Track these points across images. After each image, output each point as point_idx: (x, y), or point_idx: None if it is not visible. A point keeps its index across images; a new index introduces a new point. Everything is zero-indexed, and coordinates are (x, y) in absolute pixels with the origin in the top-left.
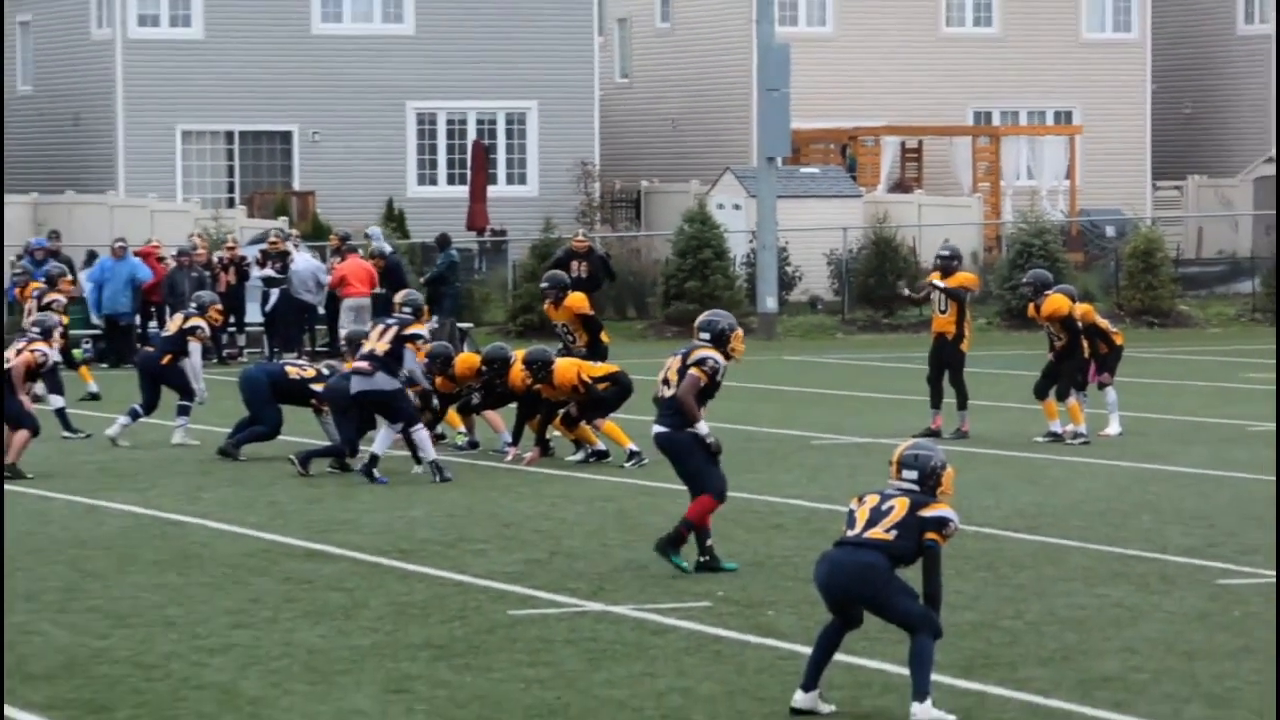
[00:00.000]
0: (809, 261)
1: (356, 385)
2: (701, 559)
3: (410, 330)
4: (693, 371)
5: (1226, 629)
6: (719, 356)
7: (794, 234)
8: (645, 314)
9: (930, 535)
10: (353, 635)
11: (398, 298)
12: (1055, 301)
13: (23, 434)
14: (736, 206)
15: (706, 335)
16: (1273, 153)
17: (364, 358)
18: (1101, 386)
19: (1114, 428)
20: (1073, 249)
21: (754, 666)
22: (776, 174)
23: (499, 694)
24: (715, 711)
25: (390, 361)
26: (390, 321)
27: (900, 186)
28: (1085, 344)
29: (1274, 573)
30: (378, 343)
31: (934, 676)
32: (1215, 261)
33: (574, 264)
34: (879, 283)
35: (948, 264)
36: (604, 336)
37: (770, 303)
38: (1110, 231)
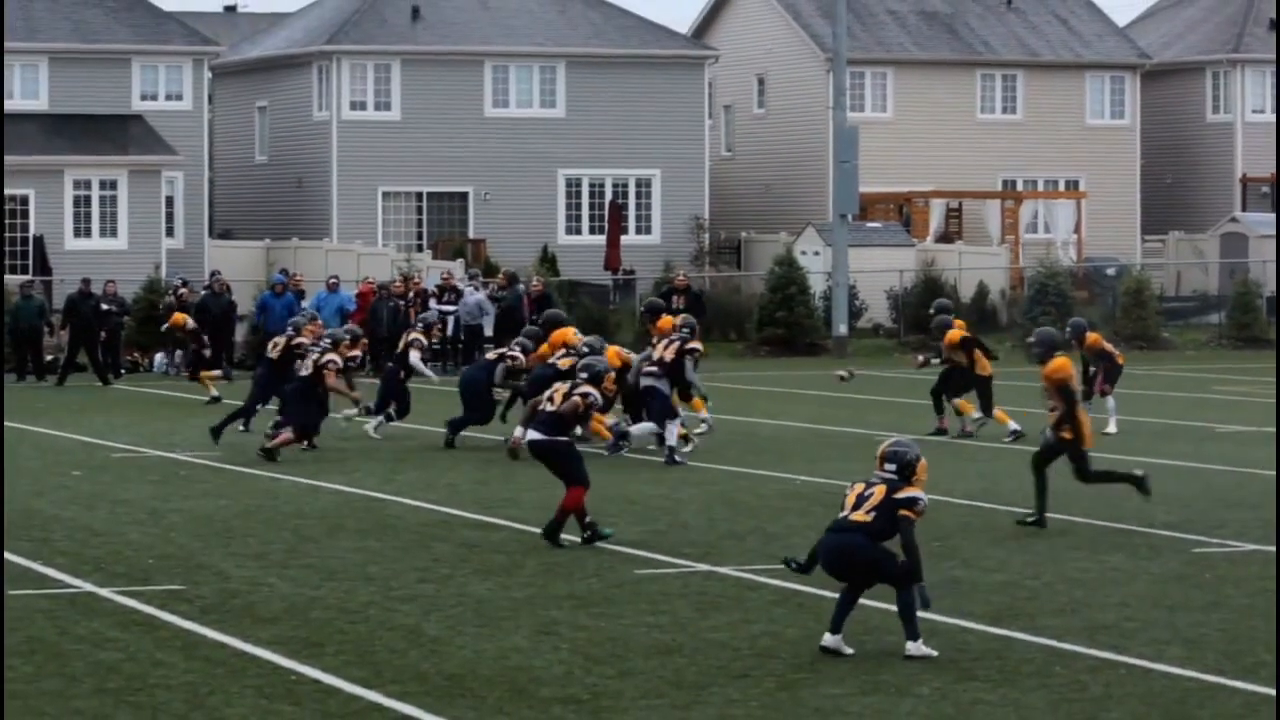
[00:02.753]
0: (873, 296)
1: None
2: (585, 535)
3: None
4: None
5: (1200, 588)
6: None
7: (861, 275)
8: (744, 337)
9: (903, 512)
10: (512, 589)
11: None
12: (1057, 363)
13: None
14: (816, 253)
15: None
16: (1237, 212)
17: (653, 363)
18: (1103, 395)
19: (1113, 428)
20: (1080, 288)
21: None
22: (848, 228)
23: (626, 636)
24: (797, 651)
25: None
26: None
27: (945, 238)
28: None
29: (1241, 544)
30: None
31: (970, 625)
32: (1190, 299)
33: (675, 298)
34: (928, 314)
35: (943, 324)
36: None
37: (842, 329)
38: (1110, 272)
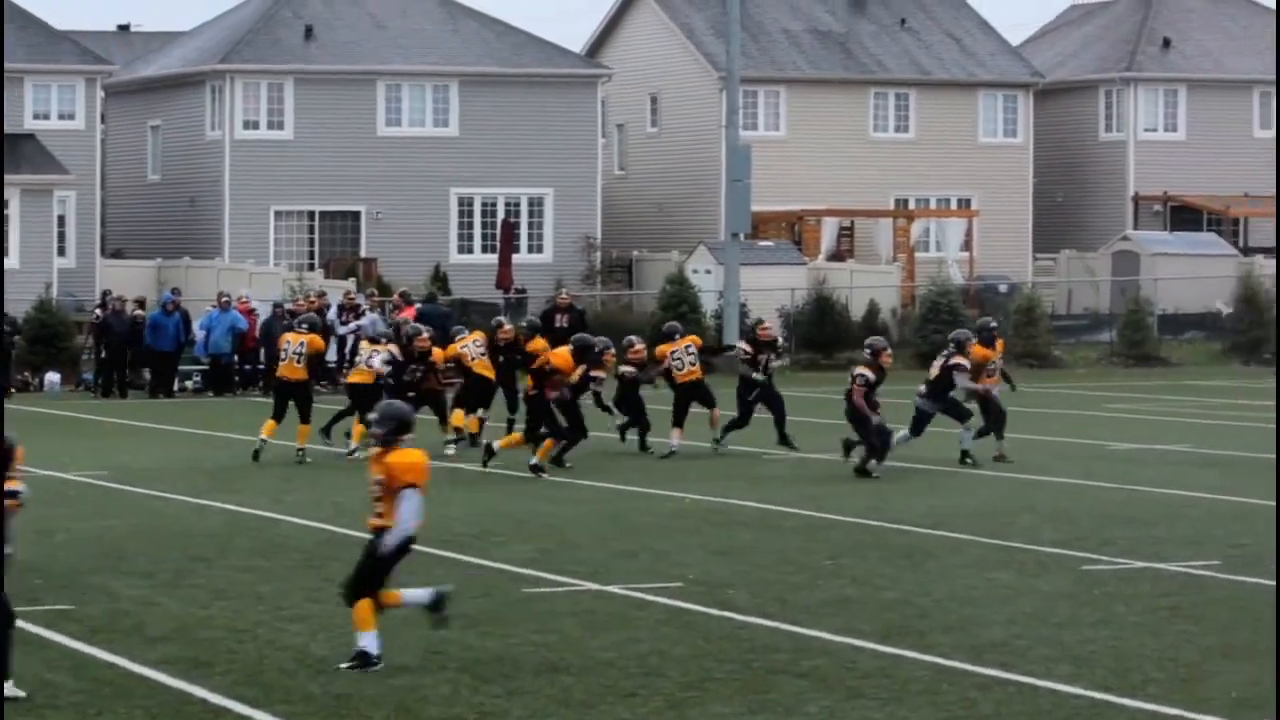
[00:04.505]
0: (764, 315)
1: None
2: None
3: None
4: None
5: (1088, 605)
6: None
7: (753, 293)
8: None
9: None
10: (400, 610)
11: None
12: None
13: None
14: (708, 271)
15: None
16: (1129, 230)
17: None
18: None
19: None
20: (971, 305)
21: (717, 634)
22: (739, 246)
23: (514, 655)
24: (685, 669)
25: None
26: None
27: (836, 257)
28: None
29: (1130, 561)
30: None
31: (859, 643)
32: (1081, 317)
33: (558, 317)
34: (819, 331)
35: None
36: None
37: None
38: (1002, 290)
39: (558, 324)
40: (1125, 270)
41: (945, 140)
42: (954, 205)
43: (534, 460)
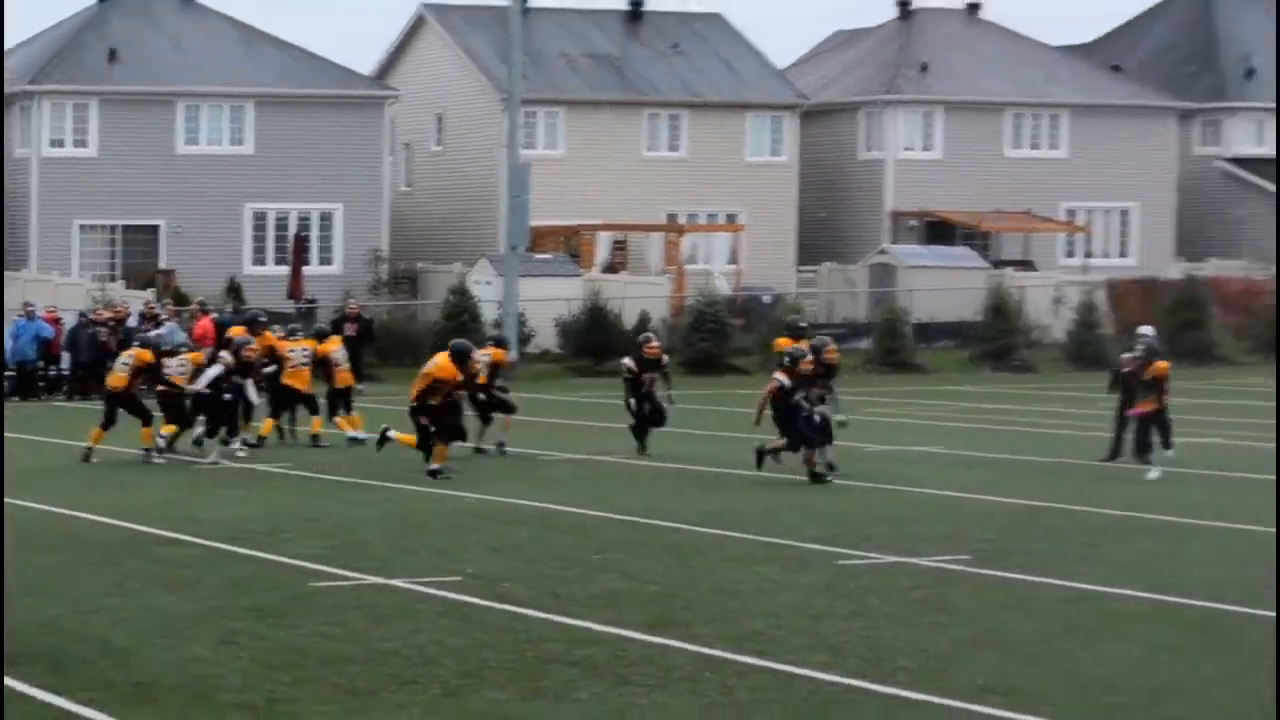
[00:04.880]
0: (542, 324)
1: None
2: None
3: None
4: None
5: (843, 598)
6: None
7: (531, 303)
8: (419, 362)
9: None
10: (196, 601)
11: None
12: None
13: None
14: (488, 283)
15: None
16: (886, 244)
17: None
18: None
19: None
20: (737, 315)
21: (493, 626)
22: (519, 259)
23: (303, 645)
24: (463, 659)
25: None
26: None
27: (610, 269)
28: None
29: (884, 556)
30: None
31: (627, 633)
32: (841, 326)
33: (346, 325)
34: (592, 339)
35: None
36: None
37: (513, 354)
38: (766, 300)
39: (346, 332)
40: (883, 282)
41: (714, 159)
42: (722, 220)
43: (432, 466)
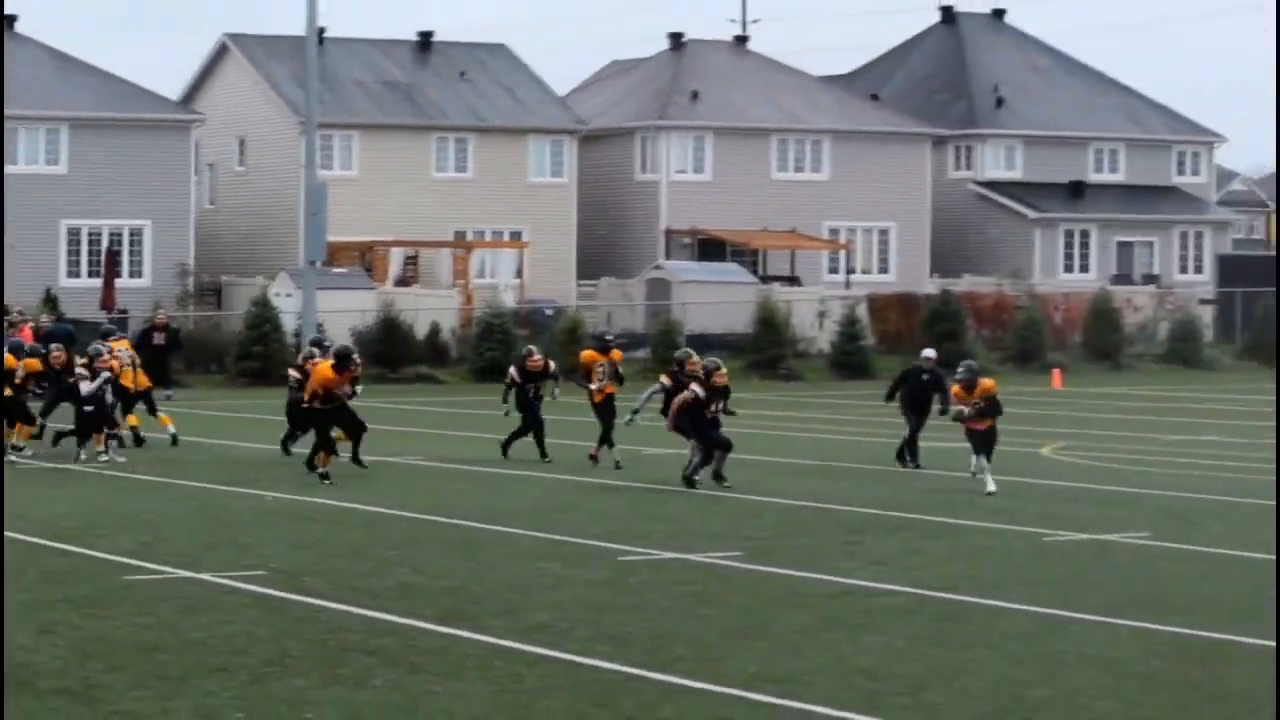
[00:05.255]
0: (338, 334)
1: None
2: None
3: None
4: None
5: (624, 592)
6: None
7: (328, 314)
8: (223, 369)
9: None
10: (17, 593)
11: None
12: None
13: None
14: (288, 295)
15: None
16: (661, 260)
17: None
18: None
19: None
20: (522, 326)
21: (295, 617)
22: (316, 273)
23: (116, 635)
24: (268, 648)
25: None
26: None
27: (403, 282)
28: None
29: (662, 552)
30: None
31: (420, 624)
32: (620, 337)
33: (155, 335)
34: (387, 349)
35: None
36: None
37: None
38: (549, 313)
39: (155, 341)
40: (658, 295)
41: (499, 180)
42: (507, 237)
43: (321, 469)
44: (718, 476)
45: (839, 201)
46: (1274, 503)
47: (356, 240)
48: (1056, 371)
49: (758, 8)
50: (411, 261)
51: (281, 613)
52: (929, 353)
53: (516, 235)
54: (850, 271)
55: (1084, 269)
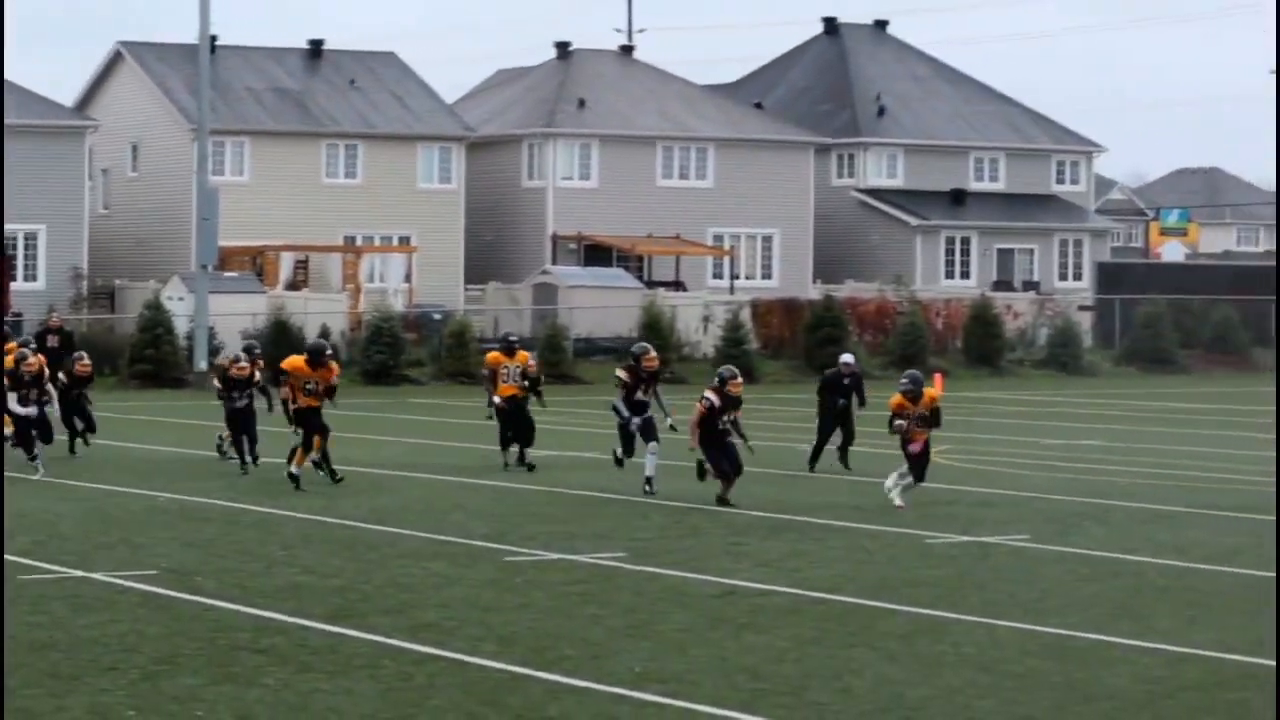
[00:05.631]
0: (229, 337)
1: None
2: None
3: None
4: None
5: (510, 591)
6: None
7: (220, 317)
8: (116, 371)
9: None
10: None
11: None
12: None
13: None
14: (181, 299)
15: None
16: (548, 265)
17: None
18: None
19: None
20: (410, 330)
21: (187, 616)
22: (208, 277)
23: (12, 633)
24: (159, 646)
25: None
26: None
27: (293, 286)
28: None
29: (547, 553)
30: None
31: (309, 623)
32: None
33: (49, 337)
34: (277, 351)
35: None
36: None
37: (203, 365)
38: (436, 317)
39: (49, 344)
40: (545, 300)
41: (388, 186)
42: (396, 242)
43: (294, 470)
44: (721, 500)
45: (723, 208)
46: (1148, 506)
47: (247, 245)
48: (938, 376)
49: (644, 18)
50: (302, 266)
51: (173, 612)
52: (847, 358)
53: (405, 240)
54: (734, 277)
55: (965, 275)
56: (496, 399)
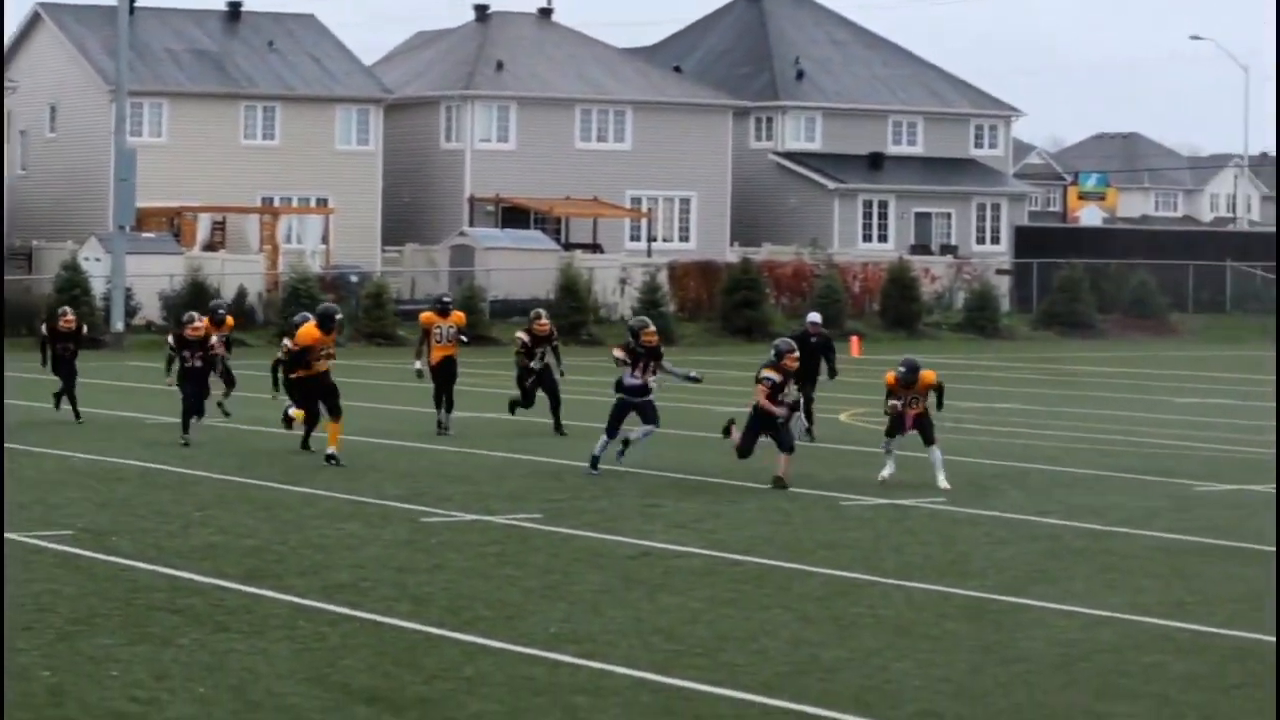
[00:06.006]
0: (147, 297)
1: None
2: None
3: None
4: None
5: (425, 552)
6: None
7: (137, 278)
8: (33, 333)
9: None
10: None
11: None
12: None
13: None
14: (98, 259)
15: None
16: (466, 227)
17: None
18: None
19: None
20: (327, 291)
21: (103, 576)
22: (126, 237)
23: None
24: (75, 606)
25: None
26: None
27: (210, 247)
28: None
29: (463, 514)
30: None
31: (225, 584)
32: (423, 302)
33: None
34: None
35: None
36: None
37: (120, 325)
38: (354, 279)
39: None
40: (462, 262)
41: (306, 147)
42: (313, 204)
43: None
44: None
45: (641, 171)
46: (1065, 469)
47: (165, 206)
48: (855, 339)
49: None
50: (219, 227)
51: (89, 572)
52: (814, 317)
53: (323, 202)
54: (652, 239)
55: (882, 239)
56: (418, 363)
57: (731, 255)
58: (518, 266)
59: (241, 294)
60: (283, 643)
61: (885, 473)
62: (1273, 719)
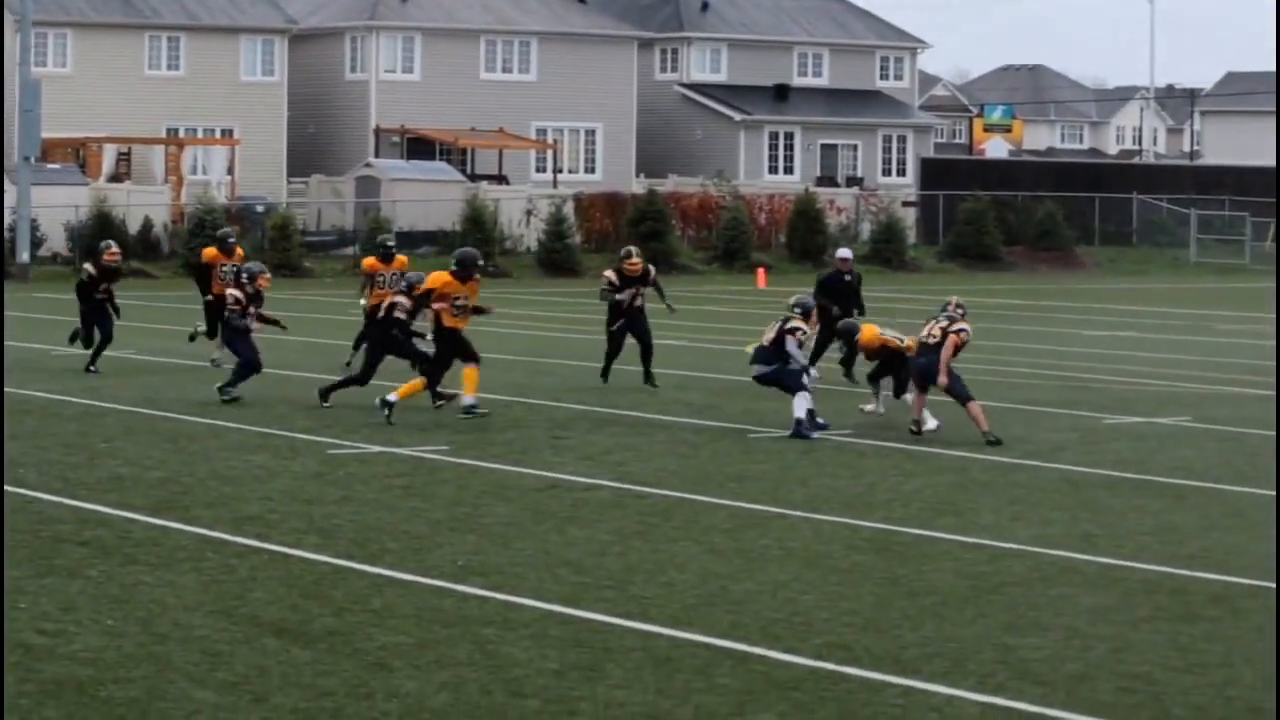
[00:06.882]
0: (52, 229)
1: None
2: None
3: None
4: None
5: (333, 484)
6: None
7: (42, 210)
8: None
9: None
10: None
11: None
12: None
13: None
14: (3, 191)
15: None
16: (371, 158)
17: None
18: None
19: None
20: (233, 223)
21: (10, 507)
22: (30, 169)
23: None
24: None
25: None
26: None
27: (116, 178)
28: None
29: (370, 446)
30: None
31: (132, 515)
32: (329, 233)
33: None
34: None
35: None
36: None
37: (25, 257)
38: (260, 210)
39: None
40: (368, 193)
41: (211, 78)
42: (218, 135)
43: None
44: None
45: (546, 102)
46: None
47: (70, 137)
48: (760, 271)
49: None
50: (124, 158)
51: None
52: (845, 253)
53: (228, 133)
54: (558, 171)
55: (788, 171)
56: (362, 300)
57: (637, 187)
58: (423, 198)
59: (147, 225)
60: (190, 575)
61: (869, 406)
62: (1183, 652)
